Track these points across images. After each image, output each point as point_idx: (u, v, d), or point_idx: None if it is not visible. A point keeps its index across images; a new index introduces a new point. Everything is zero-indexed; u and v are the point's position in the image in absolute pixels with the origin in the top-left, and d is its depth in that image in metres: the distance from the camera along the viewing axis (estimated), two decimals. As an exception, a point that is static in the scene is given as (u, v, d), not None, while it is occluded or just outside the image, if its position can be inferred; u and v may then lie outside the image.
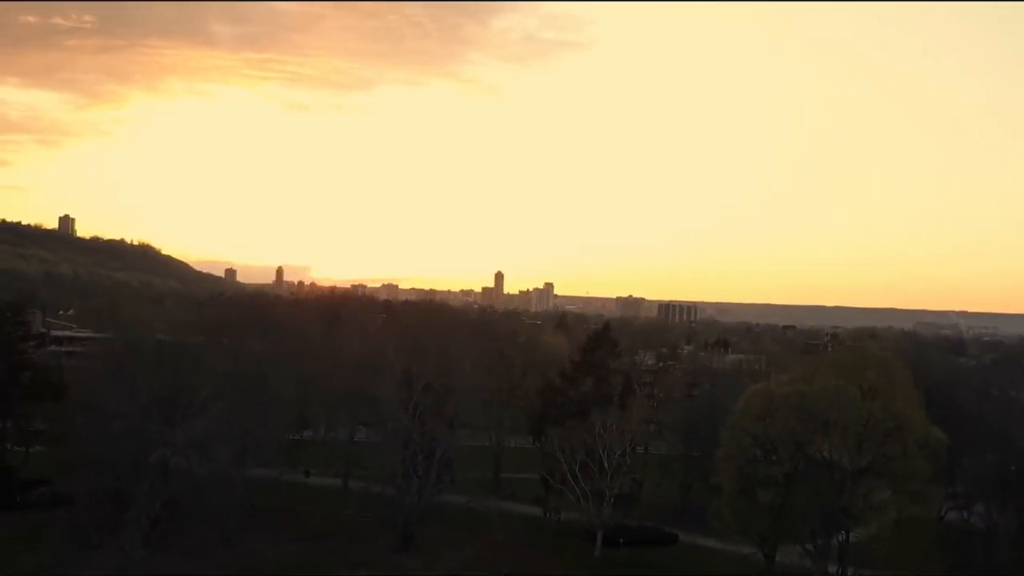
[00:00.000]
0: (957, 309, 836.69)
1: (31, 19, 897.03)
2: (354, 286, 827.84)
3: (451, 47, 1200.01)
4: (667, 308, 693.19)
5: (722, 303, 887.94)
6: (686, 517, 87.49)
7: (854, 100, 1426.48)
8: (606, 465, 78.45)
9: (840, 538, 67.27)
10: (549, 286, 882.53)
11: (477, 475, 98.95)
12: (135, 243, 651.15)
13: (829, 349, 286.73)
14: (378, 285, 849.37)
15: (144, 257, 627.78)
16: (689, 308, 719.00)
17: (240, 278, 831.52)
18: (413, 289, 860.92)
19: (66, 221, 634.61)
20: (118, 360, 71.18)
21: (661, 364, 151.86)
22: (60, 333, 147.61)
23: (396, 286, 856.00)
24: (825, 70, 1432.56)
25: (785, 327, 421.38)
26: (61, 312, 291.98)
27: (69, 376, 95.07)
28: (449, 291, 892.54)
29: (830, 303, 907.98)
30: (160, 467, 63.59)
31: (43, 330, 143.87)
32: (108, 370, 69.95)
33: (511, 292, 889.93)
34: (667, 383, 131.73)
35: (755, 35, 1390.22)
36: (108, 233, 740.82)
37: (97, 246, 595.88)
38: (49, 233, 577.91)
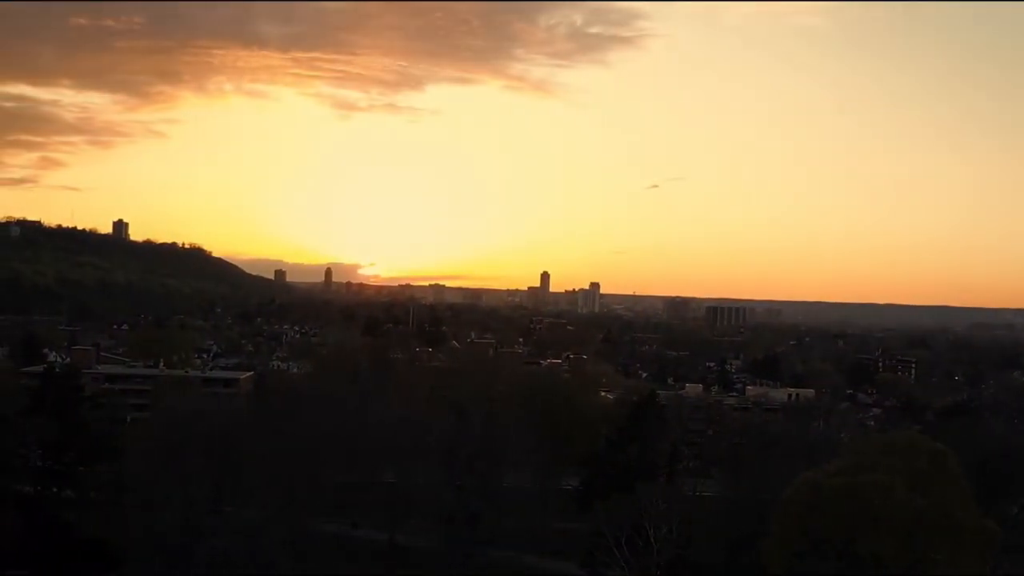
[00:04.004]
0: (1012, 306, 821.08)
1: (82, 21, 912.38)
2: (401, 286, 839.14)
3: (498, 44, 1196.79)
4: (715, 311, 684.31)
5: (773, 301, 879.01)
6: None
7: (908, 93, 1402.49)
8: (652, 541, 77.80)
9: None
10: (595, 286, 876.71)
11: (522, 523, 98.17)
12: (186, 246, 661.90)
13: (880, 367, 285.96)
14: (425, 285, 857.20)
15: (196, 260, 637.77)
16: (738, 310, 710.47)
17: (290, 278, 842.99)
18: (459, 289, 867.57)
19: (120, 226, 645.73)
20: (168, 447, 72.44)
21: (709, 399, 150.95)
22: (113, 370, 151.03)
23: (442, 286, 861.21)
24: (872, 64, 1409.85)
25: (835, 336, 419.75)
26: (115, 327, 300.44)
27: (122, 427, 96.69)
28: (495, 291, 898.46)
29: (882, 301, 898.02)
30: (209, 557, 64.73)
31: (97, 368, 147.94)
32: (157, 461, 71.17)
33: (557, 291, 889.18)
34: (716, 423, 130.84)
35: (806, 29, 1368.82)
36: (160, 235, 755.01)
37: (150, 250, 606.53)
38: (104, 238, 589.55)
